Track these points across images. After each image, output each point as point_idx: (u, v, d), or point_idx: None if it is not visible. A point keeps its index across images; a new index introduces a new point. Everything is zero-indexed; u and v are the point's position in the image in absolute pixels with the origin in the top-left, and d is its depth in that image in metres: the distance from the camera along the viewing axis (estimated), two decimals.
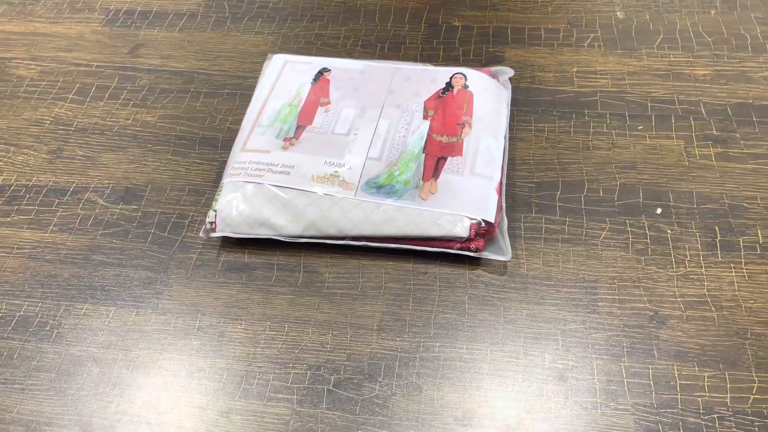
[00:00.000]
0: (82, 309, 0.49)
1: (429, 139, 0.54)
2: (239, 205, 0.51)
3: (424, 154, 0.53)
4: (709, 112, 0.59)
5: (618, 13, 0.69)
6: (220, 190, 0.53)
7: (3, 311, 0.49)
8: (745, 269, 0.49)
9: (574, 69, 0.64)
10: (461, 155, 0.53)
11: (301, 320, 0.48)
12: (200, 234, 0.52)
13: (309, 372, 0.45)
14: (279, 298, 0.49)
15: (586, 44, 0.66)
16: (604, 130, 0.59)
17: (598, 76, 0.63)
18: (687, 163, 0.55)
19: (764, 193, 0.53)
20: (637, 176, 0.55)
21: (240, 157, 0.54)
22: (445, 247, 0.50)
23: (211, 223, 0.51)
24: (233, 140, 0.59)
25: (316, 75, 0.61)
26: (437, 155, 0.53)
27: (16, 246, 0.53)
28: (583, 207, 0.53)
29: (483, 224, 0.50)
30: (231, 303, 0.49)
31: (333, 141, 0.55)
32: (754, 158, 0.55)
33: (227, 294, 0.50)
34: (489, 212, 0.50)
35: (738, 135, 0.57)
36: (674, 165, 0.55)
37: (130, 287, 0.50)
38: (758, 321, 0.46)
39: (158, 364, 0.46)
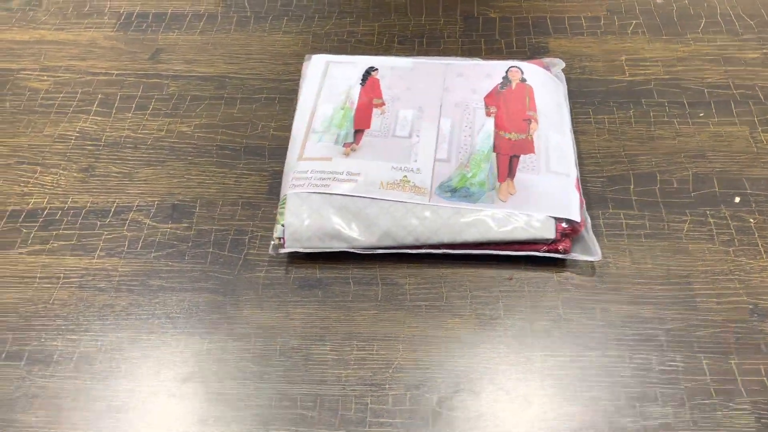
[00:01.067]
0: (148, 340, 0.45)
1: (497, 137, 0.52)
2: (308, 217, 0.48)
3: (494, 154, 0.51)
4: (766, 96, 0.58)
5: None
6: (284, 203, 0.49)
7: (60, 349, 0.45)
8: None
9: (623, 57, 0.62)
10: (534, 152, 0.51)
11: (389, 337, 0.45)
12: (269, 251, 0.49)
13: (408, 393, 0.42)
14: (360, 314, 0.46)
15: (629, 31, 0.65)
16: (665, 118, 0.57)
17: (649, 63, 0.62)
18: (755, 149, 0.54)
19: None
20: (708, 165, 0.54)
21: (299, 166, 0.51)
22: (531, 250, 0.47)
23: (280, 238, 0.48)
24: (281, 148, 0.56)
25: (363, 75, 0.58)
26: (509, 154, 0.51)
27: (62, 275, 0.49)
28: (659, 200, 0.52)
29: (566, 224, 0.48)
30: (311, 323, 0.46)
31: (396, 144, 0.52)
32: None
33: (304, 313, 0.46)
34: (573, 211, 0.48)
35: None
36: (743, 151, 0.54)
37: (198, 313, 0.47)
38: None
39: (245, 393, 0.43)
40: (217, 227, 0.51)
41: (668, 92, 0.59)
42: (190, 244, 0.50)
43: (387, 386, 0.43)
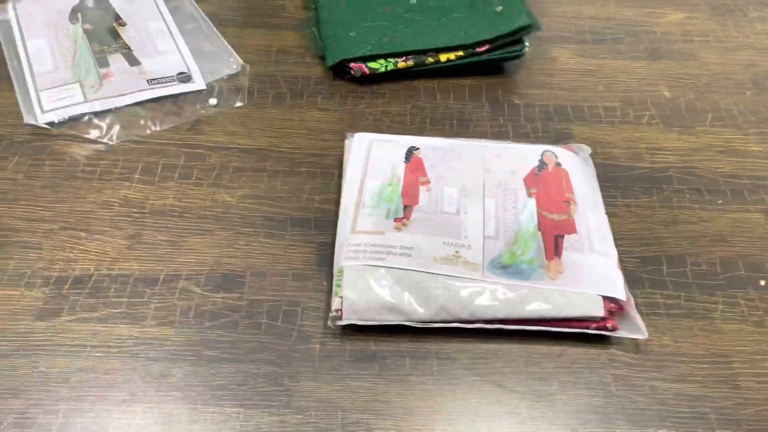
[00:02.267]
0: (207, 412, 0.45)
1: (540, 217, 0.55)
2: (366, 290, 0.49)
3: (540, 232, 0.54)
4: None
5: (665, 92, 0.73)
6: (341, 275, 0.50)
7: (116, 421, 0.44)
8: None
9: (642, 145, 0.67)
10: (576, 232, 0.54)
11: (451, 411, 0.46)
12: (327, 323, 0.49)
13: None
14: (418, 388, 0.47)
15: (644, 121, 0.70)
16: (686, 204, 0.61)
17: (666, 152, 0.66)
18: None
19: None
20: (731, 249, 0.57)
21: (353, 239, 0.52)
22: (581, 327, 0.49)
23: (337, 310, 0.49)
24: (325, 220, 0.57)
25: (406, 153, 0.60)
26: (553, 233, 0.54)
27: (113, 344, 0.48)
28: (692, 281, 0.55)
29: (612, 302, 0.50)
30: (370, 397, 0.46)
31: (445, 220, 0.54)
32: None
33: (363, 387, 0.47)
34: (618, 290, 0.50)
35: None
36: (762, 237, 0.58)
37: (255, 385, 0.46)
38: None
39: None
40: (268, 298, 0.52)
41: (686, 179, 0.63)
42: (242, 314, 0.51)
43: None
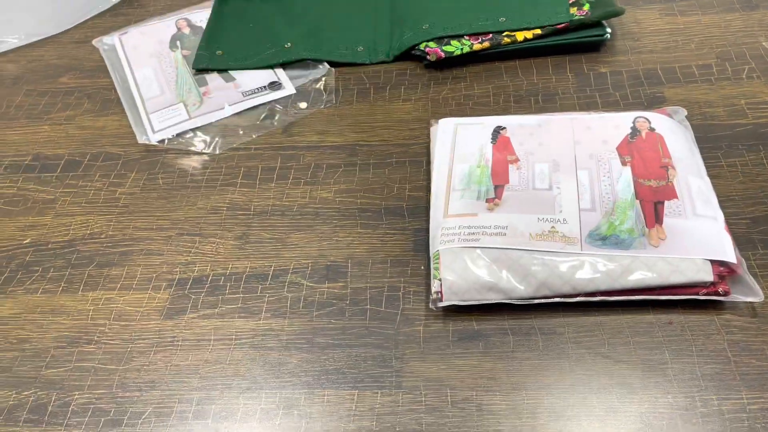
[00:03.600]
0: (323, 395, 0.47)
1: (637, 185, 0.53)
2: (463, 271, 0.50)
3: (638, 201, 0.52)
4: None
5: (764, 43, 0.69)
6: (437, 258, 0.51)
7: (243, 407, 0.48)
8: None
9: (742, 101, 0.63)
10: (677, 198, 0.52)
11: (558, 386, 0.46)
12: (429, 305, 0.51)
13: None
14: (525, 364, 0.47)
15: (744, 76, 0.66)
16: None
17: None
18: None
19: None
20: None
21: (446, 223, 0.54)
22: (690, 294, 0.48)
23: (437, 292, 0.50)
24: (418, 207, 0.59)
25: (493, 134, 0.60)
26: (652, 200, 0.52)
27: (234, 337, 0.52)
28: None
29: (722, 266, 0.48)
30: (477, 374, 0.47)
31: (538, 197, 0.54)
32: None
33: (469, 365, 0.48)
34: (728, 253, 0.48)
35: None
36: None
37: (365, 368, 0.49)
38: None
39: None
40: (370, 285, 0.54)
41: None
42: (347, 302, 0.53)
43: None
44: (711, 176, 0.57)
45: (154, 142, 0.69)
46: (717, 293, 0.48)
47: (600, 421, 0.44)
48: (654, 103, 0.65)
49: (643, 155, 0.56)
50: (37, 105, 0.75)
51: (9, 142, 0.72)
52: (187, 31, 0.81)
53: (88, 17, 0.88)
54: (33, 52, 0.83)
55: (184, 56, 0.78)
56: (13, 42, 0.84)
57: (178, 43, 0.80)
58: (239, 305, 0.54)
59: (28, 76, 0.79)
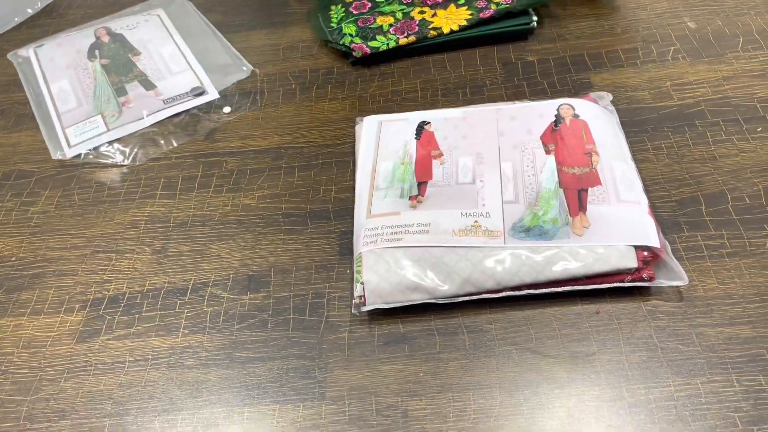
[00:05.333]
0: (242, 413, 0.45)
1: (561, 173, 0.52)
2: (385, 273, 0.48)
3: (562, 189, 0.51)
4: None
5: (689, 23, 0.69)
6: (360, 261, 0.50)
7: (160, 430, 0.45)
8: None
9: (668, 83, 0.63)
10: (600, 184, 0.51)
11: (485, 385, 0.44)
12: (351, 311, 0.49)
13: None
14: (451, 365, 0.46)
15: (669, 57, 0.66)
16: (723, 137, 0.57)
17: (695, 86, 0.62)
18: None
19: None
20: None
21: (369, 224, 0.52)
22: (615, 282, 0.47)
23: (360, 296, 0.48)
24: (345, 209, 0.57)
25: (417, 129, 0.59)
26: (576, 188, 0.51)
27: (150, 357, 0.49)
28: (735, 217, 0.51)
29: (646, 251, 0.47)
30: (403, 379, 0.45)
31: (461, 191, 0.53)
32: None
33: (395, 370, 0.46)
34: (651, 237, 0.47)
35: None
36: None
37: (288, 380, 0.46)
38: None
39: None
40: (294, 293, 0.52)
41: (720, 111, 0.59)
42: (270, 313, 0.51)
43: None
44: (637, 160, 0.56)
45: (69, 157, 0.66)
46: (642, 279, 0.47)
47: (526, 419, 0.42)
48: (581, 89, 0.64)
49: (566, 143, 0.55)
50: None
51: None
52: (106, 39, 0.78)
53: (5, 30, 0.84)
54: None
55: (103, 65, 0.74)
56: None
57: (96, 52, 0.76)
58: (156, 323, 0.51)
59: None
